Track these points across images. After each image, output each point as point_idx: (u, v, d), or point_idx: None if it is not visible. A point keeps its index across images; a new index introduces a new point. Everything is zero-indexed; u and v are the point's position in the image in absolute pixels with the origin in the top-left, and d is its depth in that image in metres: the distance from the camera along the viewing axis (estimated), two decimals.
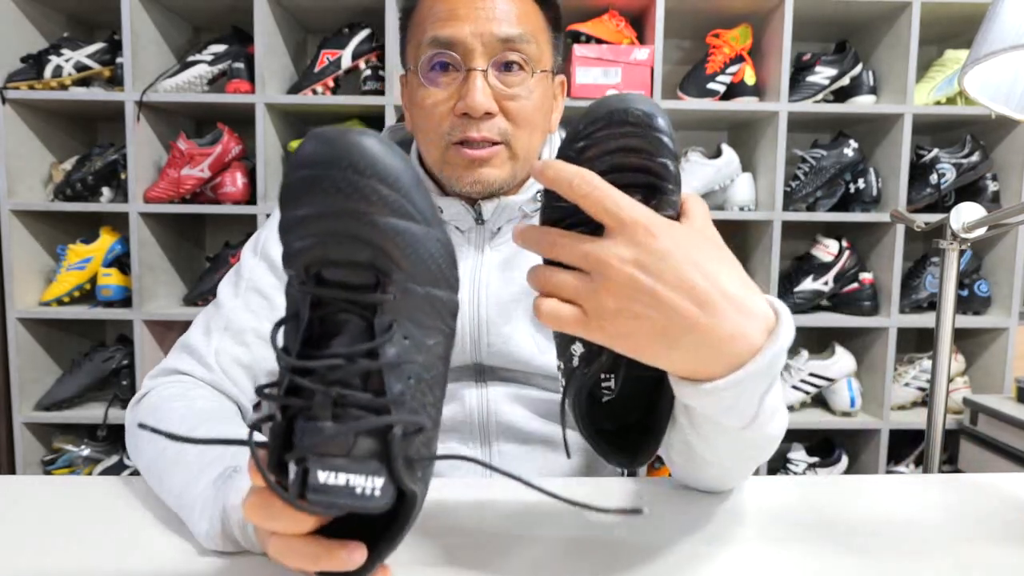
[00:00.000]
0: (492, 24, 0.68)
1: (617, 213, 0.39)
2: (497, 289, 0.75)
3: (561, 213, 0.43)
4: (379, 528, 0.38)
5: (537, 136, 0.74)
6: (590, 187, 0.39)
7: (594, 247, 0.40)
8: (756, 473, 1.85)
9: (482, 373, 0.76)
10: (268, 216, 1.56)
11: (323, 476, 0.33)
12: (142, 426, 0.37)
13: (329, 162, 0.33)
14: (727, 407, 0.44)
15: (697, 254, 0.41)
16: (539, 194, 0.77)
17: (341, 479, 0.33)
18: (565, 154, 0.42)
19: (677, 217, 0.44)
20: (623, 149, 0.41)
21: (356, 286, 0.35)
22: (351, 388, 0.34)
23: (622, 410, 0.46)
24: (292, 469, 0.34)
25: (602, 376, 0.47)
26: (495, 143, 0.70)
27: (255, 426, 0.36)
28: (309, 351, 0.35)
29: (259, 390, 0.36)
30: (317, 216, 0.34)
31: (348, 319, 0.35)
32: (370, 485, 0.33)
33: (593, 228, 0.41)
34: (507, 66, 0.70)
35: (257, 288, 0.75)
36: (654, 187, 0.42)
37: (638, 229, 0.39)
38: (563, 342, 0.46)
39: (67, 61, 1.69)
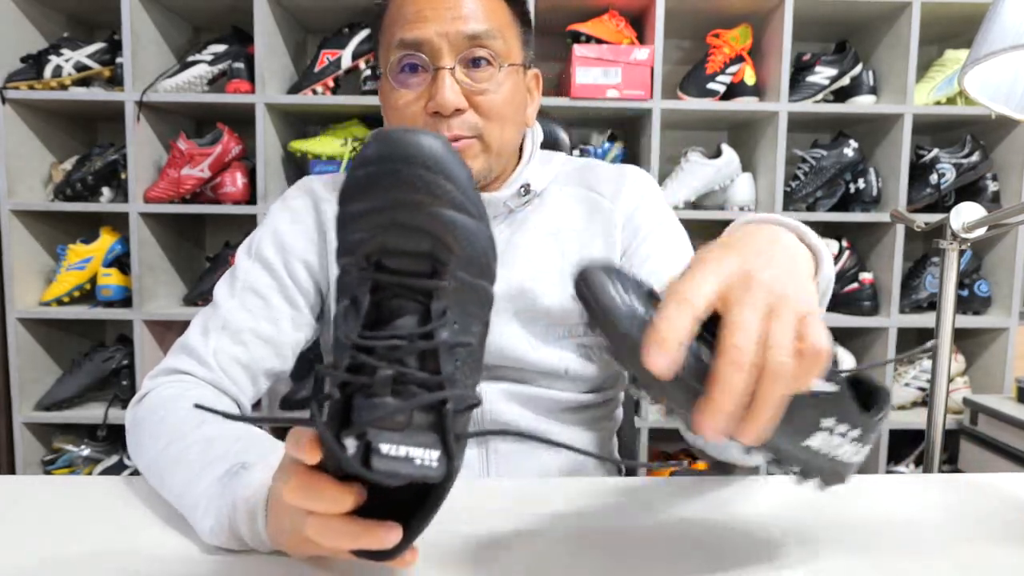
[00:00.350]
0: (458, 22, 0.69)
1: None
2: None
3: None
4: (411, 509, 0.39)
5: (510, 129, 0.75)
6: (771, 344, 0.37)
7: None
8: (756, 472, 1.85)
9: None
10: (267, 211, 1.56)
11: (385, 448, 0.34)
12: (198, 406, 0.38)
13: (396, 158, 0.36)
14: None
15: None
16: (522, 188, 0.77)
17: (402, 451, 0.35)
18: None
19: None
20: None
21: (415, 273, 0.38)
22: (409, 367, 0.37)
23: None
24: (352, 444, 0.35)
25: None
26: (467, 137, 0.72)
27: (315, 403, 0.37)
28: (367, 334, 0.37)
29: (318, 370, 0.38)
30: (382, 208, 0.37)
31: (404, 304, 0.38)
32: (428, 457, 0.35)
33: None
34: (474, 62, 0.71)
35: (253, 288, 0.75)
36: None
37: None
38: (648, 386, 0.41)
39: (67, 61, 1.69)
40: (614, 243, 0.79)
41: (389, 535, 0.38)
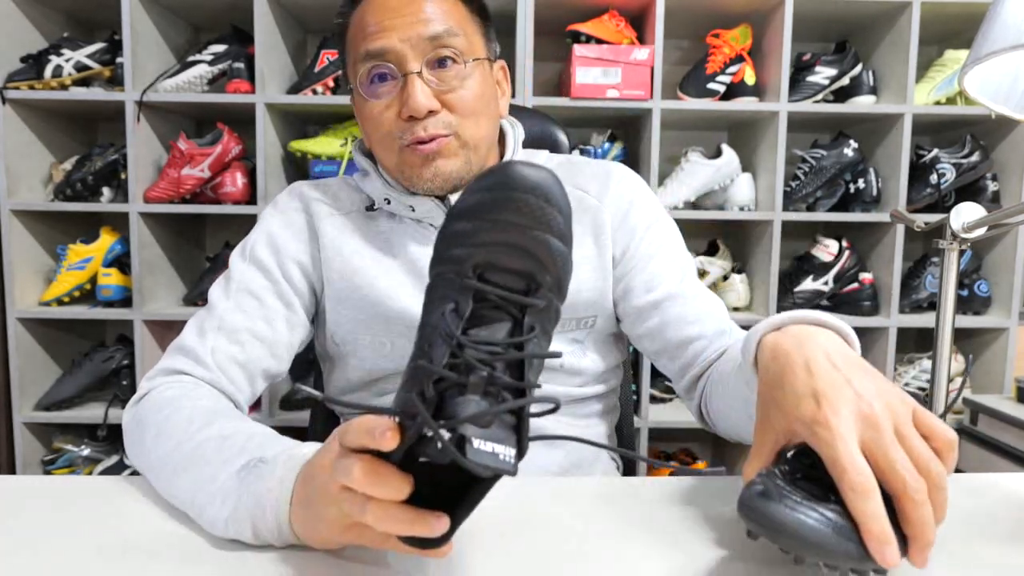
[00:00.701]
0: (418, 27, 0.71)
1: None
2: None
3: None
4: (454, 502, 0.43)
5: (484, 123, 0.76)
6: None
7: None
8: None
9: None
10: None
11: (477, 443, 0.39)
12: (299, 386, 0.42)
13: (511, 186, 0.42)
14: None
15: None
16: None
17: (488, 446, 0.39)
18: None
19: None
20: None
21: (514, 289, 0.43)
22: (499, 372, 0.41)
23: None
24: (445, 435, 0.39)
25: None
26: (443, 136, 0.73)
27: (414, 395, 0.40)
28: (471, 333, 0.42)
29: (417, 365, 0.41)
30: (491, 227, 0.42)
31: (500, 315, 0.43)
32: (508, 454, 0.40)
33: None
34: (440, 62, 0.72)
35: (248, 289, 0.76)
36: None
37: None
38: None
39: (67, 61, 1.69)
40: (606, 244, 0.79)
41: (440, 523, 0.41)
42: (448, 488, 0.44)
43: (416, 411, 0.39)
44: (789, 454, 0.49)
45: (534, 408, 0.42)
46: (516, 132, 0.85)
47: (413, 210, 0.77)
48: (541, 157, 0.85)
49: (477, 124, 0.75)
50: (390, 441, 0.40)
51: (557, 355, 0.42)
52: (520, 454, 0.41)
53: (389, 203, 0.78)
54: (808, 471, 0.46)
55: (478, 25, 0.77)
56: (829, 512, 0.42)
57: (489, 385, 0.40)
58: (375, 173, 0.80)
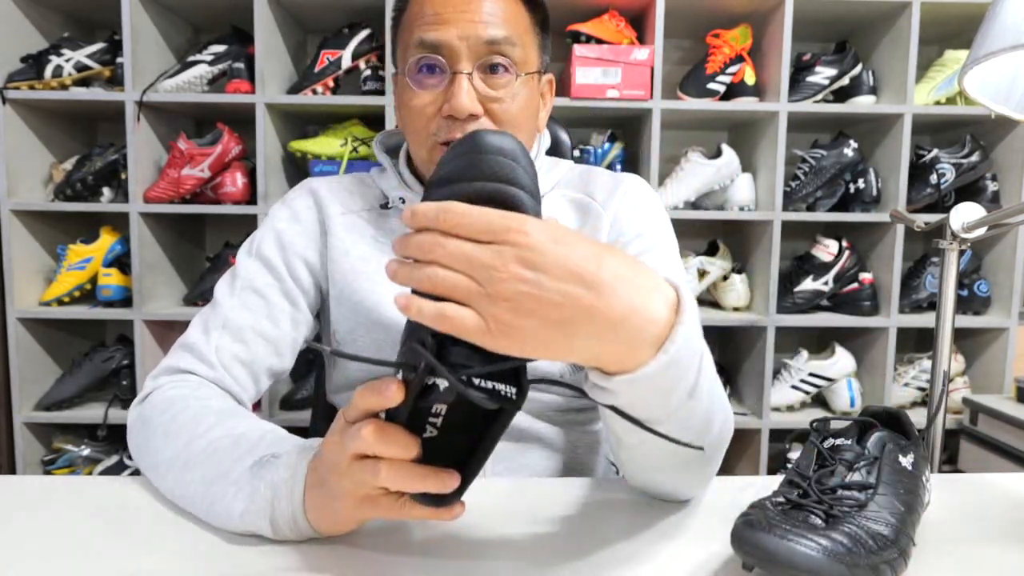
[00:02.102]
0: (478, 27, 0.69)
1: (488, 225, 0.40)
2: None
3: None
4: (462, 462, 0.45)
5: (522, 136, 0.75)
6: (456, 215, 0.40)
7: (477, 251, 0.40)
8: (756, 472, 1.85)
9: None
10: (268, 213, 1.56)
11: (478, 381, 0.42)
12: (335, 352, 0.43)
13: (483, 151, 0.44)
14: (653, 392, 0.45)
15: (575, 243, 0.41)
16: None
17: (489, 384, 0.42)
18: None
19: None
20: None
21: None
22: None
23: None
24: (441, 381, 0.43)
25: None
26: None
27: (416, 345, 0.42)
28: None
29: (410, 323, 0.43)
30: (470, 188, 0.44)
31: None
32: (509, 391, 0.43)
33: None
34: (492, 68, 0.71)
35: (253, 287, 0.76)
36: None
37: (510, 232, 0.40)
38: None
39: (67, 61, 1.69)
40: None
41: (451, 479, 0.43)
42: (455, 450, 0.46)
43: (418, 361, 0.41)
44: (779, 484, 0.50)
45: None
46: (541, 140, 0.84)
47: None
48: (564, 167, 0.85)
49: (515, 136, 0.74)
50: (396, 394, 0.42)
51: None
52: (521, 392, 0.43)
53: (404, 202, 0.78)
54: (797, 500, 0.48)
55: (536, 35, 0.76)
56: (820, 539, 0.43)
57: None
58: (392, 171, 0.80)
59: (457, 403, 0.45)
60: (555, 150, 1.05)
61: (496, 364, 0.42)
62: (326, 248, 0.79)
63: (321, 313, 0.83)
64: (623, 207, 0.80)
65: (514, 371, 0.44)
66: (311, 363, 1.77)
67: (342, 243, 0.78)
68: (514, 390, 0.43)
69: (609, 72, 1.68)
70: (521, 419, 0.75)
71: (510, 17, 0.71)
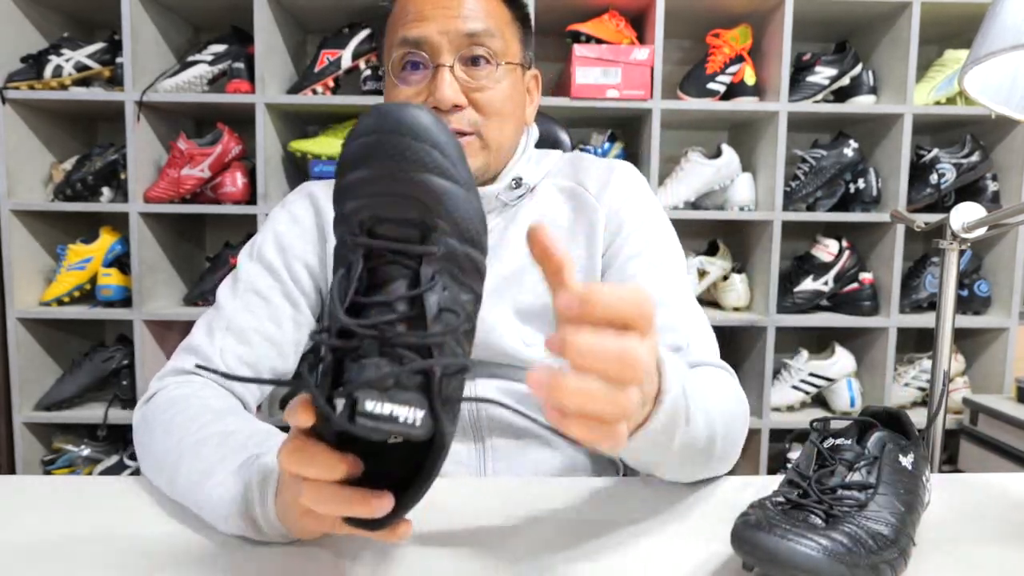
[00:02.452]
0: (457, 21, 0.72)
1: (648, 314, 0.38)
2: None
3: None
4: (406, 481, 0.41)
5: (509, 127, 0.76)
6: (601, 306, 0.37)
7: (631, 344, 0.37)
8: (756, 472, 1.85)
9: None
10: (267, 216, 1.56)
11: (370, 405, 0.35)
12: (229, 376, 0.40)
13: (388, 130, 0.38)
14: (658, 437, 0.47)
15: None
16: (514, 181, 0.78)
17: (386, 408, 0.35)
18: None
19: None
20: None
21: (405, 239, 0.39)
22: (396, 331, 0.38)
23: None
24: (341, 404, 0.36)
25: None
26: (466, 133, 0.73)
27: (306, 366, 0.38)
28: (359, 299, 0.39)
29: (313, 334, 0.39)
30: (375, 177, 0.39)
31: (396, 270, 0.39)
32: (412, 415, 0.36)
33: None
34: (473, 60, 0.73)
35: (255, 289, 0.76)
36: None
37: (650, 324, 0.38)
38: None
39: (67, 61, 1.69)
40: (597, 245, 0.79)
41: (381, 503, 0.39)
42: (400, 467, 0.41)
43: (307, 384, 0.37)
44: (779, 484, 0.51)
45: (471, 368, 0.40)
46: (530, 134, 0.85)
47: None
48: (553, 156, 0.86)
49: (501, 127, 0.75)
50: (302, 416, 0.38)
51: (455, 311, 0.39)
52: (435, 416, 0.37)
53: None
54: (797, 500, 0.48)
55: (517, 30, 0.78)
56: (820, 538, 0.43)
57: (385, 347, 0.37)
58: None
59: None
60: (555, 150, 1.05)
61: (389, 372, 0.36)
62: (325, 252, 0.79)
63: (322, 317, 0.83)
64: (618, 199, 0.80)
65: (426, 390, 0.37)
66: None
67: None
68: (420, 414, 0.36)
69: (609, 72, 1.68)
70: (520, 417, 0.75)
71: (489, 12, 0.74)
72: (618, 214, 0.80)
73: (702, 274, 1.86)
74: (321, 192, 0.83)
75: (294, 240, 0.79)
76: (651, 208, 0.82)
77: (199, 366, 0.41)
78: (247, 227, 1.96)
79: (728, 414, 0.59)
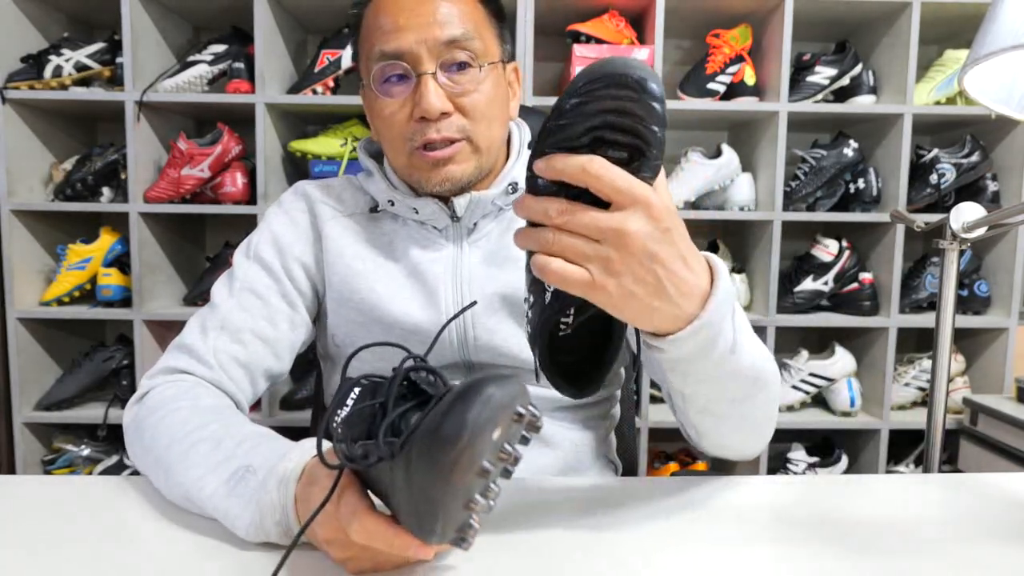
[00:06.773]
0: (435, 28, 0.70)
1: (630, 191, 0.44)
2: (481, 284, 0.76)
3: (549, 191, 0.47)
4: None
5: (496, 127, 0.76)
6: (603, 169, 0.43)
7: (612, 219, 0.44)
8: (756, 472, 1.85)
9: (471, 370, 0.76)
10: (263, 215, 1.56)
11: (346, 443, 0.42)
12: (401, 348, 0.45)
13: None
14: (699, 347, 0.50)
15: (681, 228, 0.47)
16: (511, 187, 0.78)
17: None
18: (561, 105, 0.45)
19: (653, 180, 0.48)
20: (617, 111, 0.44)
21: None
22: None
23: (576, 344, 0.53)
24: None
25: (564, 312, 0.53)
26: (456, 140, 0.72)
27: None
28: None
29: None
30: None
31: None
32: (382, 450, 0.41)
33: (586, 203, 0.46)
34: (456, 66, 0.72)
35: (251, 288, 0.76)
36: (639, 150, 0.45)
37: (649, 207, 0.44)
38: (536, 280, 0.51)
39: (67, 61, 1.69)
40: None
41: (420, 552, 0.43)
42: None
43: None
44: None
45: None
46: (523, 132, 0.84)
47: (417, 212, 0.77)
48: None
49: (489, 128, 0.75)
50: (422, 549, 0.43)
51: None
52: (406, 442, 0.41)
53: (393, 204, 0.78)
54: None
55: (494, 27, 0.77)
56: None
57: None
58: (379, 174, 0.80)
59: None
60: None
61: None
62: (322, 252, 0.79)
63: (319, 318, 0.83)
64: None
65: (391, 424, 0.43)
66: (311, 363, 1.77)
67: (336, 245, 0.78)
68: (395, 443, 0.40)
69: None
70: None
71: (464, 14, 0.72)
72: None
73: None
74: (315, 192, 0.82)
75: (291, 240, 0.79)
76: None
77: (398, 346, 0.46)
78: (247, 227, 1.96)
79: (769, 363, 0.60)
